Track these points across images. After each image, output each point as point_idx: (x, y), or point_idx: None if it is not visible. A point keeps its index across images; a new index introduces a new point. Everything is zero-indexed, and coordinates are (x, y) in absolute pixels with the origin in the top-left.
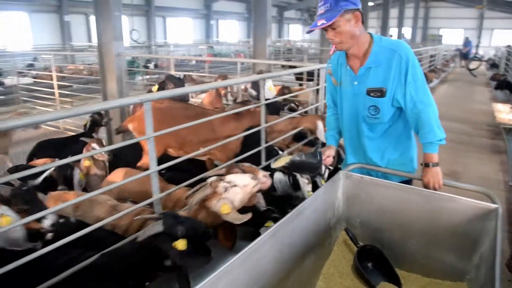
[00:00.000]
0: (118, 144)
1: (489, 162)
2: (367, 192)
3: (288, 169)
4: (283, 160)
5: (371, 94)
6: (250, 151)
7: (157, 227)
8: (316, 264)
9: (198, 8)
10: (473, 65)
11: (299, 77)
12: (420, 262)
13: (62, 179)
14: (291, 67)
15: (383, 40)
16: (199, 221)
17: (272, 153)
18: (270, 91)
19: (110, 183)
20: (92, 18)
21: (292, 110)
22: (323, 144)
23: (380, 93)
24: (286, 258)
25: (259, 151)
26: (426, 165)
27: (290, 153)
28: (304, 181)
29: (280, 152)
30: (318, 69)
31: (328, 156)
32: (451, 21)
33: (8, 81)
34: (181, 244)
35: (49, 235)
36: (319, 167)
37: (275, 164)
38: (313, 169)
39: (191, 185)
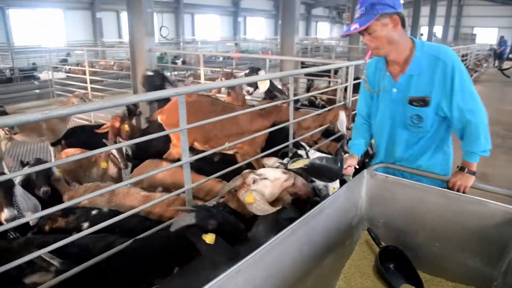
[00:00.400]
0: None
1: None
2: (391, 192)
3: (306, 172)
4: (301, 162)
5: (414, 103)
6: (278, 147)
7: (189, 219)
8: (336, 263)
9: (226, 5)
10: (506, 65)
11: (325, 74)
12: (444, 265)
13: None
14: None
15: (426, 45)
16: (232, 216)
17: (299, 149)
18: (261, 84)
19: (141, 174)
20: (123, 15)
21: (311, 103)
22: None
23: (423, 102)
24: (306, 256)
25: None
26: (461, 168)
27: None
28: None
29: (308, 148)
30: (347, 67)
31: (349, 165)
32: (485, 19)
33: (43, 75)
34: (209, 238)
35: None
36: (339, 175)
37: (292, 165)
38: (332, 176)
39: (221, 177)
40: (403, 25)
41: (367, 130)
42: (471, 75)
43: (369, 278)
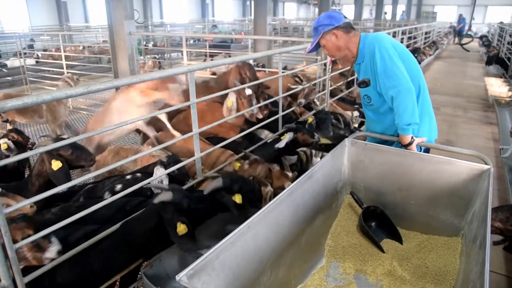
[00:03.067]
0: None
1: (481, 132)
2: (370, 157)
3: None
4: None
5: (360, 85)
6: (270, 119)
7: (217, 183)
8: (325, 224)
9: None
10: (465, 40)
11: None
12: (419, 220)
13: None
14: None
15: (366, 37)
16: (250, 180)
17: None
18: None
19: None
20: None
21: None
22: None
23: (365, 84)
24: (300, 217)
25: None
26: (404, 146)
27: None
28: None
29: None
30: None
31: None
32: None
33: (10, 62)
34: (238, 198)
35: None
36: None
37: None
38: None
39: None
40: (349, 30)
41: None
42: (434, 51)
43: (354, 236)
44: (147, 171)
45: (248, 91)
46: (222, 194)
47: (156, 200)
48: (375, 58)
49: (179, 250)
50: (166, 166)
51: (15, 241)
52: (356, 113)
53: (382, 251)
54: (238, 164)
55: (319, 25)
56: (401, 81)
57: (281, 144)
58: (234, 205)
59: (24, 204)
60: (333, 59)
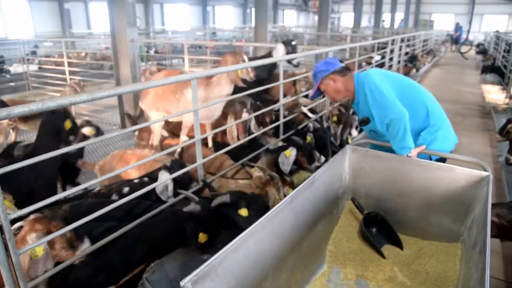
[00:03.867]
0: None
1: (479, 139)
2: (371, 164)
3: None
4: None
5: (362, 124)
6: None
7: (225, 198)
8: (326, 230)
9: None
10: (464, 48)
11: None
12: (419, 226)
13: None
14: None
15: (358, 76)
16: (257, 195)
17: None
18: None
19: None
20: (91, 5)
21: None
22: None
23: (364, 122)
24: (301, 223)
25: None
26: None
27: None
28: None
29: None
30: (327, 52)
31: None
32: (442, 6)
33: (13, 68)
34: (243, 211)
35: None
36: None
37: None
38: None
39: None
40: (345, 72)
41: None
42: (432, 59)
43: (355, 242)
44: (152, 176)
45: (244, 115)
46: (230, 209)
47: (186, 209)
48: (366, 94)
49: (181, 256)
50: (170, 171)
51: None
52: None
53: (383, 257)
54: (253, 170)
55: (317, 72)
56: (391, 110)
57: (286, 166)
58: (240, 218)
59: (30, 211)
60: (335, 102)
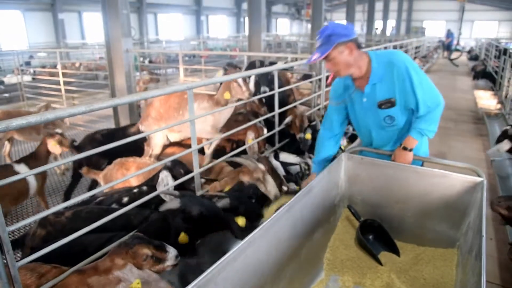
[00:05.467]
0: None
1: (472, 144)
2: (367, 171)
3: None
4: None
5: (382, 106)
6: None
7: (225, 202)
8: (323, 238)
9: (188, 4)
10: (454, 55)
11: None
12: (416, 233)
13: None
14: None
15: (378, 55)
16: (256, 204)
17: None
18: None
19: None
20: (85, 16)
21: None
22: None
23: (390, 103)
24: (299, 231)
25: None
26: (404, 148)
27: None
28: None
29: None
30: (320, 61)
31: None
32: (433, 13)
33: (7, 79)
34: (241, 221)
35: None
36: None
37: None
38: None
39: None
40: (359, 47)
41: (332, 145)
42: (424, 65)
43: (352, 249)
44: (152, 184)
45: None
46: (228, 214)
47: (162, 208)
48: (410, 73)
49: (179, 266)
50: (170, 170)
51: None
52: None
53: (380, 263)
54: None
55: (333, 33)
56: (438, 94)
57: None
58: (237, 228)
59: (40, 217)
60: (337, 76)
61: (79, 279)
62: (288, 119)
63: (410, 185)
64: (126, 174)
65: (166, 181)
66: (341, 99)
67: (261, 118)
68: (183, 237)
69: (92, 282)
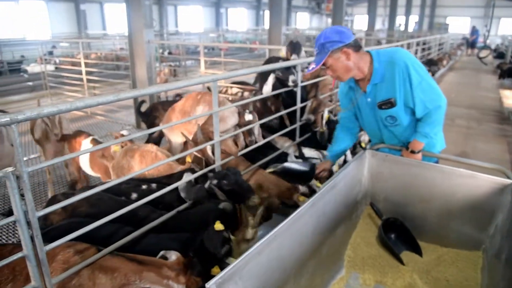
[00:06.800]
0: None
1: (496, 145)
2: (391, 169)
3: (279, 175)
4: (274, 166)
5: (382, 106)
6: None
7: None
8: (345, 235)
9: None
10: (483, 53)
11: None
12: (439, 233)
13: None
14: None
15: (381, 54)
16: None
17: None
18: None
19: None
20: (107, 6)
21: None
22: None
23: (390, 104)
24: (322, 227)
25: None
26: (412, 151)
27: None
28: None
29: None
30: None
31: (323, 169)
32: (458, 9)
33: (30, 68)
34: (218, 225)
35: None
36: (311, 179)
37: (267, 170)
38: (304, 179)
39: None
40: (358, 48)
41: (347, 137)
42: (448, 62)
43: (374, 247)
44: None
45: (249, 117)
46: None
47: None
48: (409, 71)
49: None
50: (194, 171)
51: None
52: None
53: (402, 263)
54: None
55: (326, 41)
56: (440, 95)
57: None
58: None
59: (57, 208)
60: (340, 81)
61: (136, 269)
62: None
63: (435, 184)
64: (130, 161)
65: (187, 184)
66: (349, 104)
67: (272, 117)
68: (218, 224)
69: (146, 277)
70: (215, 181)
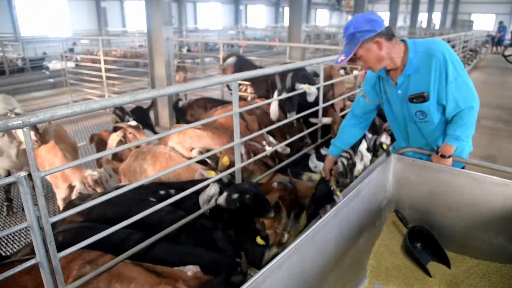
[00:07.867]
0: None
1: None
2: (417, 174)
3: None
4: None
5: (414, 100)
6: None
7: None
8: (368, 243)
9: None
10: (509, 51)
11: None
12: (469, 244)
13: None
14: None
15: (418, 44)
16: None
17: None
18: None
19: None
20: (127, 4)
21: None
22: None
23: (422, 98)
24: (344, 236)
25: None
26: (442, 156)
27: None
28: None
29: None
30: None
31: (329, 169)
32: (482, 5)
33: (52, 65)
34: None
35: None
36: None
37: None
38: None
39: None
40: (391, 37)
41: (353, 133)
42: (472, 61)
43: (398, 257)
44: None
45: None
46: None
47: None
48: (447, 66)
49: None
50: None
51: None
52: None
53: (429, 274)
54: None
55: (356, 31)
56: (475, 96)
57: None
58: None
59: (71, 213)
60: (372, 71)
61: (154, 281)
62: (327, 120)
63: (465, 192)
64: (142, 164)
65: (212, 194)
66: (374, 96)
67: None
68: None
69: None
70: (235, 195)
